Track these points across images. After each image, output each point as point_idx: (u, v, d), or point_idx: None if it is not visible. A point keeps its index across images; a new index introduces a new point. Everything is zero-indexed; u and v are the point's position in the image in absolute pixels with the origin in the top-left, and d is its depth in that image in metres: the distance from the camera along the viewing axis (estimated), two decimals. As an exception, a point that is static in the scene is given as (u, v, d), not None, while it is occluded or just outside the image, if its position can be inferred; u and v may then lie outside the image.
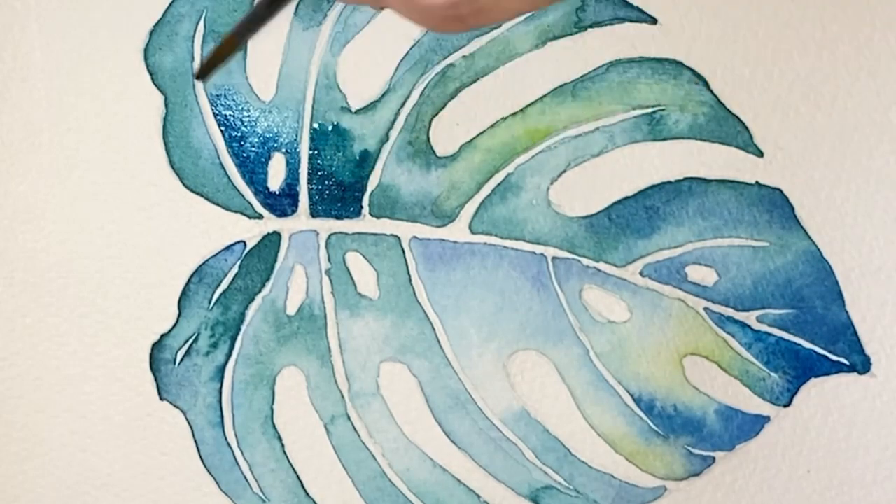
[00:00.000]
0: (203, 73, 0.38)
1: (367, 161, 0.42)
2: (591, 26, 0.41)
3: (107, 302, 0.43)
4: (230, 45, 0.35)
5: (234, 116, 0.42)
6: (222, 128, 0.42)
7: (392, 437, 0.43)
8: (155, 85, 0.42)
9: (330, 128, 0.42)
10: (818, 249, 0.41)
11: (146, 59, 0.42)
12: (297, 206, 0.42)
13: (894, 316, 0.41)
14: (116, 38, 0.42)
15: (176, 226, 0.42)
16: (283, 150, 0.42)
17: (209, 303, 0.42)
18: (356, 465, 0.43)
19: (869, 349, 0.42)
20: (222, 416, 0.43)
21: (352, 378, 0.43)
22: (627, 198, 0.42)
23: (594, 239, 0.42)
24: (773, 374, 0.42)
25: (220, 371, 0.43)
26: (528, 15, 0.41)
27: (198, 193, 0.42)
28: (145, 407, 0.43)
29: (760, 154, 0.41)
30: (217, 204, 0.42)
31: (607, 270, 0.42)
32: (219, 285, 0.42)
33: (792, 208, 0.41)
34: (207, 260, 0.42)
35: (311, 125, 0.42)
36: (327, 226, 0.42)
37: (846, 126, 0.41)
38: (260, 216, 0.42)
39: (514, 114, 0.42)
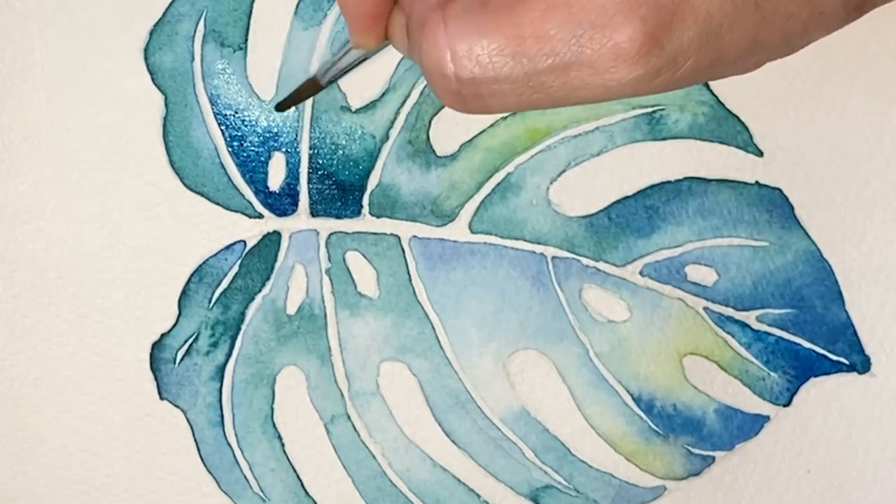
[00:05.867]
0: (282, 106, 0.39)
1: (367, 160, 0.42)
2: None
3: (107, 302, 0.43)
4: (314, 87, 0.35)
5: (234, 116, 0.42)
6: (222, 127, 0.42)
7: (392, 436, 0.43)
8: (155, 85, 0.42)
9: (330, 127, 0.42)
10: (818, 249, 0.41)
11: (146, 59, 0.42)
12: (297, 205, 0.42)
13: (894, 316, 0.41)
14: (116, 38, 0.42)
15: (176, 226, 0.42)
16: (283, 149, 0.42)
17: (209, 302, 0.42)
18: (356, 465, 0.43)
19: (869, 349, 0.42)
20: (222, 416, 0.43)
21: (352, 378, 0.43)
22: (627, 197, 0.42)
23: (594, 239, 0.42)
24: (772, 373, 0.42)
25: (220, 370, 0.43)
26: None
27: (198, 193, 0.42)
28: (145, 407, 0.43)
29: (760, 154, 0.41)
30: (217, 203, 0.42)
31: (607, 270, 0.42)
32: (219, 285, 0.42)
33: (792, 208, 0.41)
34: (207, 259, 0.42)
35: (311, 125, 0.42)
36: (327, 225, 0.42)
37: (846, 126, 0.41)
38: (260, 216, 0.42)
39: (514, 113, 0.42)
